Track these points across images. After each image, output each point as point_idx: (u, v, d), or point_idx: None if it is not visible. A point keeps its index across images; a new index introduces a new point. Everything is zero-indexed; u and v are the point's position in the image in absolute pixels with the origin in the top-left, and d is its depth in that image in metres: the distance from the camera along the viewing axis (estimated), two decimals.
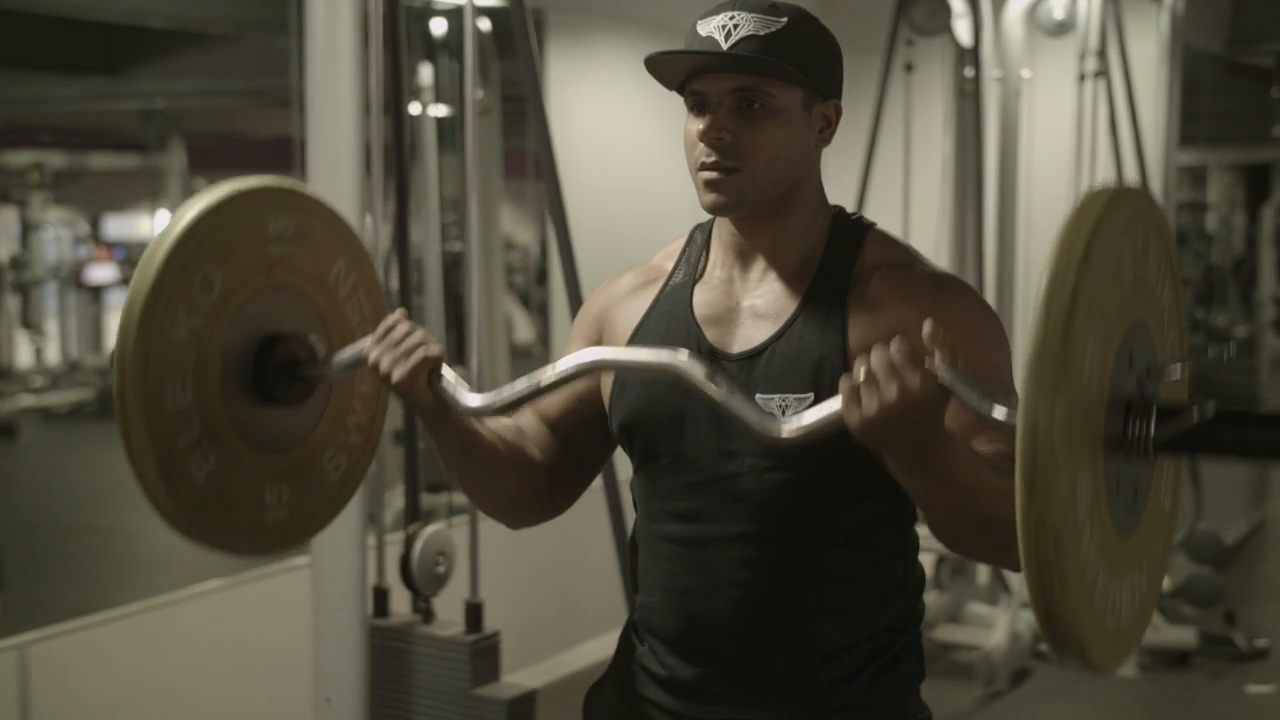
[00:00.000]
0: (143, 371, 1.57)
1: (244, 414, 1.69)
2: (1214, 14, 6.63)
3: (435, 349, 1.62)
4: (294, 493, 1.74)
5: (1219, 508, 5.56)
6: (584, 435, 1.74)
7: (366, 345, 1.65)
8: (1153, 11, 5.46)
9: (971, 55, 5.04)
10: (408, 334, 1.62)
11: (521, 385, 1.60)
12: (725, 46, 1.54)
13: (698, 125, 1.57)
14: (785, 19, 1.56)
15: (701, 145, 1.57)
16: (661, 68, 1.57)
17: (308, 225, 1.77)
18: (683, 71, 1.58)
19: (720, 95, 1.56)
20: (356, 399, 1.83)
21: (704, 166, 1.57)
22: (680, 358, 1.50)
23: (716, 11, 1.58)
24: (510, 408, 1.61)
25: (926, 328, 1.37)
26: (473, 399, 1.61)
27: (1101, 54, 5.10)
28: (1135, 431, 1.27)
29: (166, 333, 1.60)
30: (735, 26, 1.55)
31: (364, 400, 1.84)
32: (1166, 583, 5.32)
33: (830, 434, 1.41)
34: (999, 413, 1.33)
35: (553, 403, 1.74)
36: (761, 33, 1.55)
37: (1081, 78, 5.14)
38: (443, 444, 1.66)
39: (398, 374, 1.60)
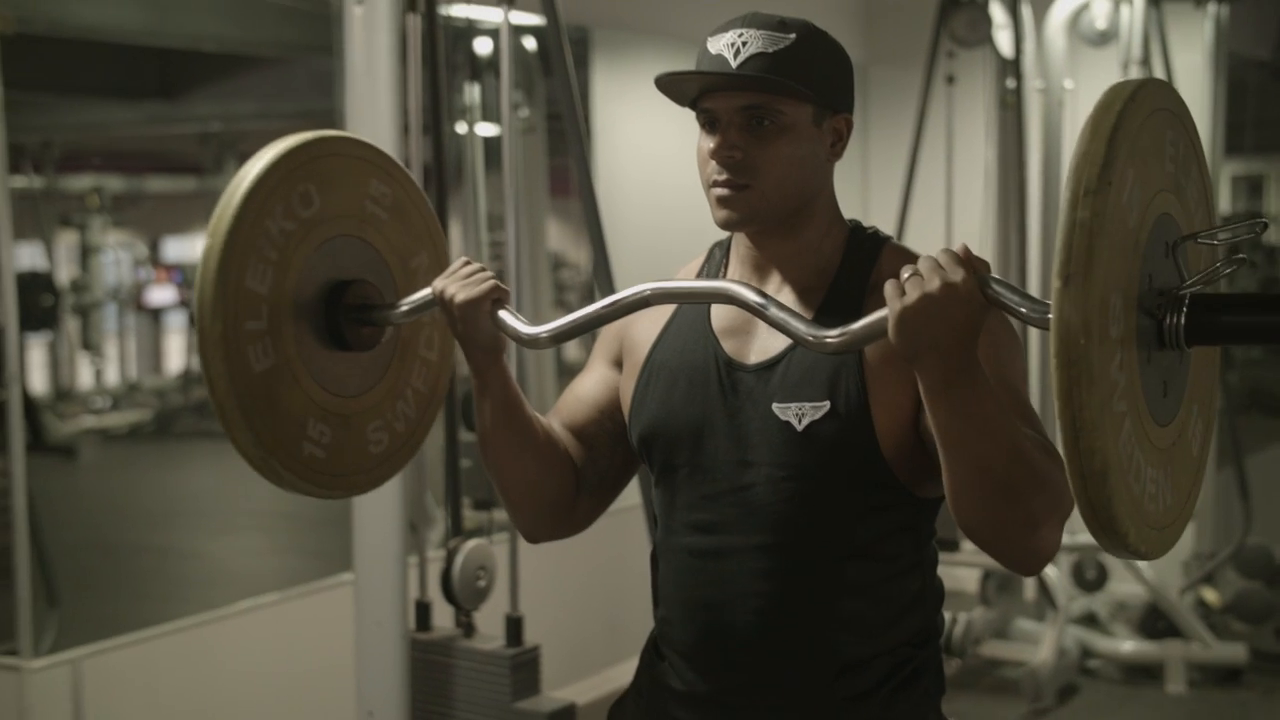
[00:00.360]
0: (232, 242, 1.64)
1: (308, 338, 1.73)
2: (1260, 20, 6.56)
3: (499, 285, 1.66)
4: (334, 440, 1.75)
5: (1270, 522, 5.49)
6: (607, 447, 1.76)
7: (435, 281, 1.69)
8: (1197, 19, 5.42)
9: (1013, 66, 5.03)
10: (476, 270, 1.67)
11: (578, 315, 1.63)
12: (734, 65, 1.56)
13: (709, 143, 1.60)
14: (794, 35, 1.58)
15: (713, 163, 1.59)
16: (672, 86, 1.60)
17: (405, 205, 1.85)
18: (693, 90, 1.60)
19: (730, 113, 1.58)
20: (410, 388, 1.86)
21: (716, 184, 1.59)
22: (733, 284, 1.53)
23: (725, 29, 1.59)
24: (567, 336, 1.63)
25: (962, 245, 1.39)
26: (531, 329, 1.65)
27: (1145, 63, 5.07)
28: (1167, 322, 1.29)
29: (261, 219, 1.66)
30: (744, 44, 1.57)
31: (416, 395, 1.87)
32: (1216, 597, 5.26)
33: (875, 338, 1.42)
34: (1037, 314, 1.34)
35: (576, 413, 1.76)
36: (770, 50, 1.56)
37: None
38: (488, 396, 1.68)
39: (462, 295, 1.64)
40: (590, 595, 4.83)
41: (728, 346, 1.64)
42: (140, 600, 5.56)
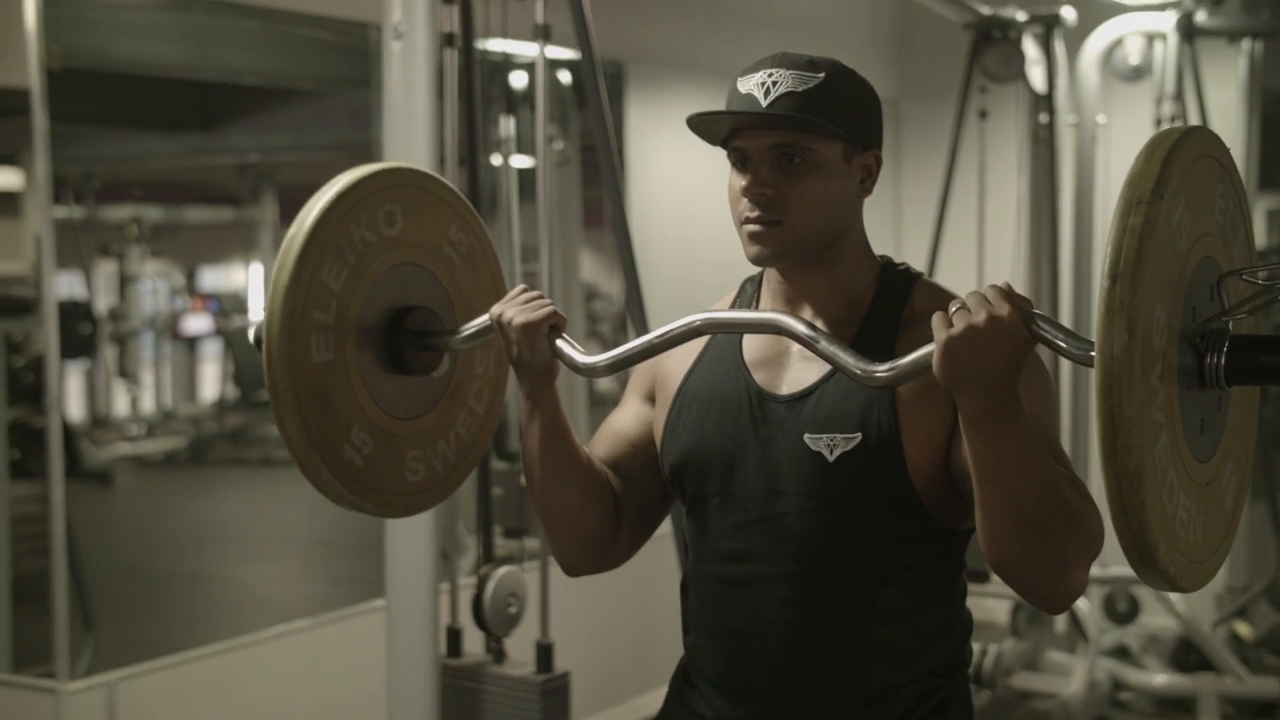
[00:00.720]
0: (317, 232, 1.69)
1: (367, 349, 1.77)
2: None
3: (556, 311, 1.69)
4: (374, 453, 1.78)
5: None
6: (643, 481, 1.78)
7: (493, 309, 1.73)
8: (1231, 55, 5.42)
9: (1046, 101, 5.04)
10: (534, 296, 1.71)
11: (632, 345, 1.66)
12: (764, 104, 1.59)
13: (741, 181, 1.62)
14: (823, 74, 1.61)
15: (745, 200, 1.61)
16: (703, 126, 1.63)
17: (478, 257, 1.91)
18: (724, 129, 1.63)
19: (761, 151, 1.61)
20: (454, 432, 1.89)
21: (748, 220, 1.62)
22: (783, 316, 1.56)
23: (755, 69, 1.63)
24: (621, 365, 1.67)
25: (1005, 282, 1.42)
26: (588, 358, 1.68)
27: (1178, 98, 5.08)
28: (1208, 360, 1.32)
29: (346, 222, 1.72)
30: (774, 84, 1.60)
31: (458, 441, 1.90)
32: (1250, 631, 5.23)
33: (920, 374, 1.45)
34: (1081, 350, 1.36)
35: (610, 447, 1.79)
36: (799, 89, 1.59)
37: (1158, 123, 5.11)
38: (537, 421, 1.71)
39: (520, 319, 1.67)
40: (620, 623, 4.85)
41: (759, 378, 1.67)
42: (174, 625, 5.61)
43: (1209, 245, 1.35)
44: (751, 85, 1.61)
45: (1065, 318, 5.15)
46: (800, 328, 1.53)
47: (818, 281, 1.67)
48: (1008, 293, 1.40)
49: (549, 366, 1.70)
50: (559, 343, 1.69)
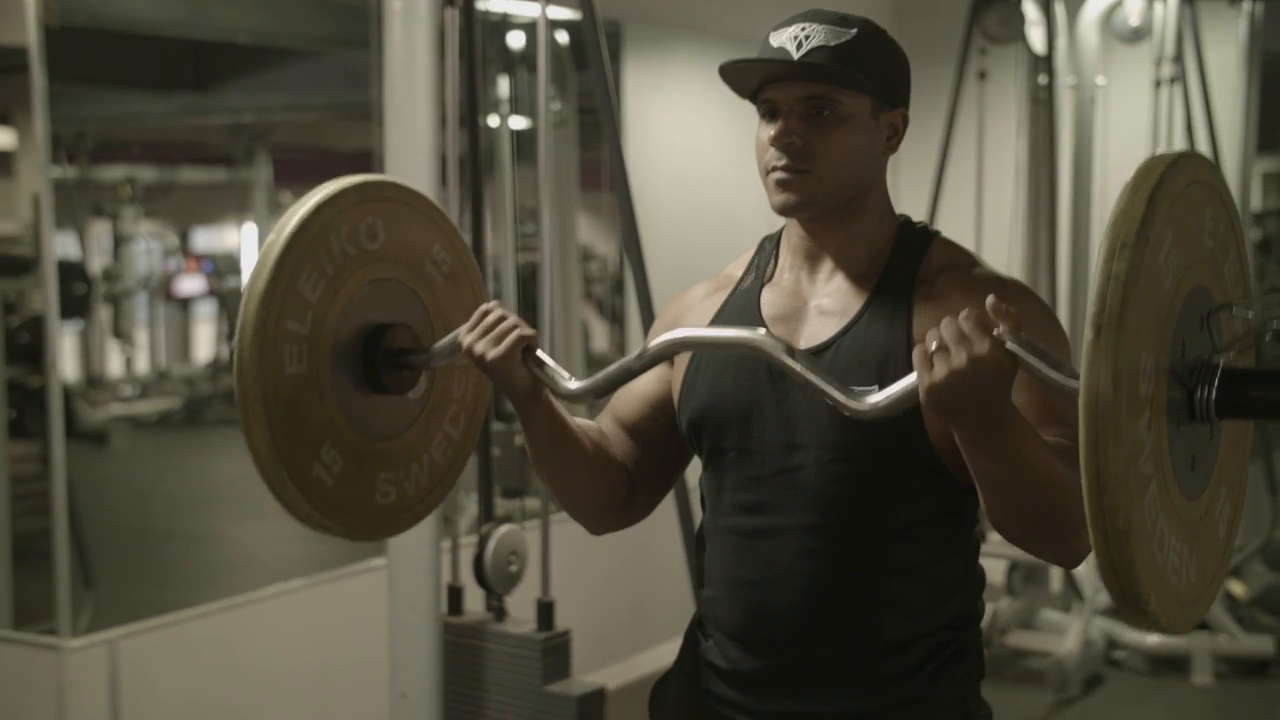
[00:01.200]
0: (295, 241, 1.66)
1: (341, 364, 1.74)
2: None
3: (528, 330, 1.68)
4: (344, 473, 1.75)
5: None
6: (661, 438, 1.80)
7: (461, 331, 1.72)
8: (1230, 16, 5.41)
9: (1045, 63, 5.04)
10: (500, 319, 1.69)
11: (612, 370, 1.67)
12: (796, 56, 1.61)
13: (769, 131, 1.63)
14: (855, 30, 1.63)
15: (773, 150, 1.63)
16: (735, 76, 1.64)
17: (460, 276, 1.88)
18: (755, 80, 1.64)
19: (791, 103, 1.62)
20: (428, 456, 1.87)
21: (775, 169, 1.63)
22: (759, 335, 1.55)
23: (789, 23, 1.64)
24: (603, 390, 1.67)
25: (990, 300, 1.40)
26: (569, 383, 1.68)
27: (1178, 60, 5.07)
28: (1198, 395, 1.29)
29: (327, 232, 1.70)
30: (806, 37, 1.61)
31: (432, 465, 1.87)
32: (1243, 590, 5.27)
33: (909, 405, 1.45)
34: (1064, 379, 1.34)
35: (629, 409, 1.80)
36: (832, 43, 1.61)
37: (1158, 84, 5.11)
38: (534, 431, 1.72)
39: (492, 354, 1.66)
40: (621, 580, 4.87)
41: (777, 333, 1.67)
42: (171, 585, 5.63)
43: (1199, 274, 1.32)
44: (784, 39, 1.63)
45: (1062, 282, 5.15)
46: (778, 353, 1.53)
47: (839, 236, 1.68)
48: (985, 324, 1.39)
49: (531, 388, 1.69)
50: (538, 371, 1.68)
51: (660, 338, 1.63)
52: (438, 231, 1.85)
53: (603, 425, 1.81)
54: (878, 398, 1.46)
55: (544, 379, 1.68)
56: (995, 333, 1.38)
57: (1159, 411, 1.25)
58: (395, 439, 1.81)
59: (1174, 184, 1.26)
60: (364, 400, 1.76)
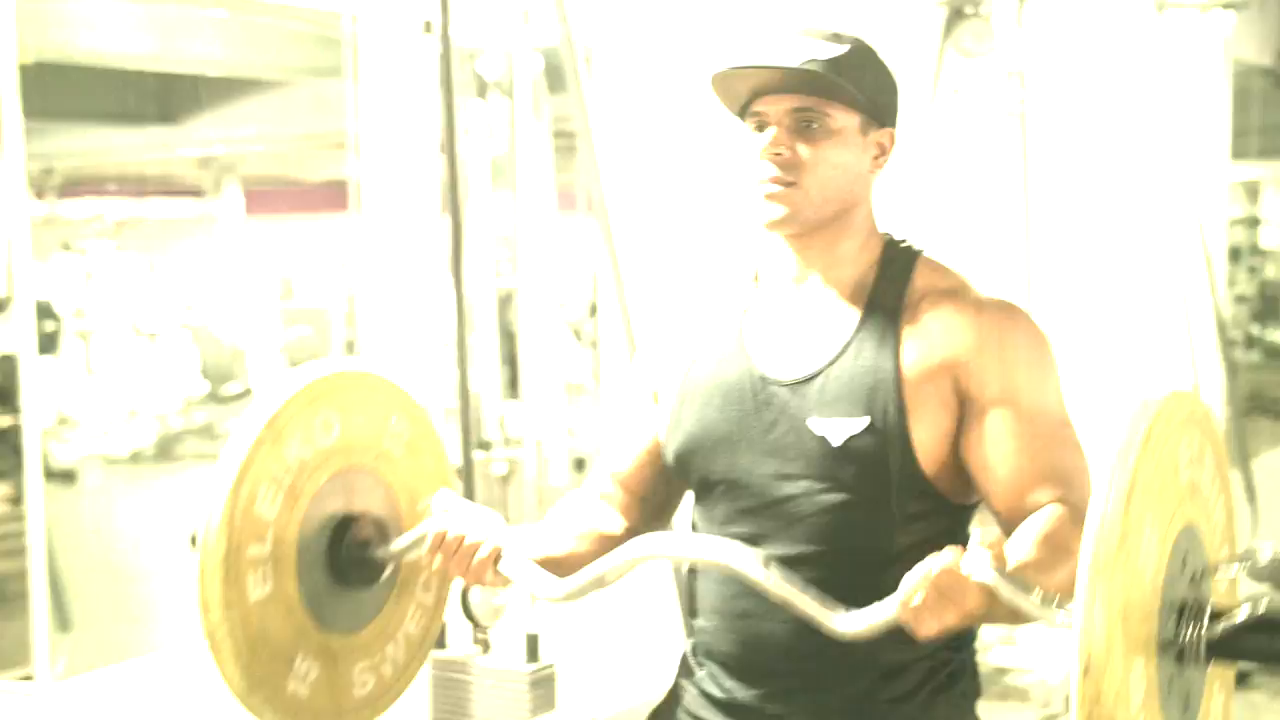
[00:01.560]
0: (247, 468, 1.64)
1: (307, 569, 1.73)
2: (1264, 27, 6.59)
3: (493, 543, 1.68)
4: (320, 678, 1.75)
5: (1277, 524, 5.49)
6: (660, 484, 1.80)
7: (426, 527, 1.72)
8: (1202, 26, 5.43)
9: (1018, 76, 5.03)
10: (460, 538, 1.69)
11: (584, 578, 1.65)
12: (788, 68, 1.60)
13: (757, 144, 1.63)
14: (848, 46, 1.63)
15: (761, 162, 1.62)
16: (725, 87, 1.63)
17: (420, 446, 1.86)
18: (745, 92, 1.63)
19: (780, 115, 1.61)
20: (402, 631, 1.86)
21: (762, 181, 1.62)
22: (733, 550, 1.54)
23: (782, 36, 1.63)
24: (580, 594, 1.67)
25: (972, 550, 1.40)
26: (543, 588, 1.66)
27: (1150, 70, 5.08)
28: (1188, 634, 1.29)
29: (279, 445, 1.67)
30: (799, 49, 1.61)
31: (407, 640, 1.87)
32: None
33: (888, 627, 1.44)
34: (1053, 610, 1.34)
35: (626, 465, 1.81)
36: (824, 56, 1.60)
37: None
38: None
39: (471, 579, 1.71)
40: (608, 612, 4.82)
41: (762, 362, 1.67)
42: (146, 624, 5.56)
43: (1184, 512, 1.32)
44: (776, 50, 1.62)
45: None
46: (753, 570, 1.51)
47: (825, 258, 1.67)
48: (958, 576, 1.39)
49: (508, 583, 1.71)
50: (511, 572, 1.69)
51: (629, 546, 1.62)
52: (392, 404, 1.82)
53: (603, 486, 1.81)
54: (854, 622, 1.45)
55: (519, 582, 1.68)
56: (974, 578, 1.38)
57: (1152, 690, 1.25)
58: (368, 626, 1.81)
59: (1148, 460, 1.24)
60: (333, 598, 1.75)
